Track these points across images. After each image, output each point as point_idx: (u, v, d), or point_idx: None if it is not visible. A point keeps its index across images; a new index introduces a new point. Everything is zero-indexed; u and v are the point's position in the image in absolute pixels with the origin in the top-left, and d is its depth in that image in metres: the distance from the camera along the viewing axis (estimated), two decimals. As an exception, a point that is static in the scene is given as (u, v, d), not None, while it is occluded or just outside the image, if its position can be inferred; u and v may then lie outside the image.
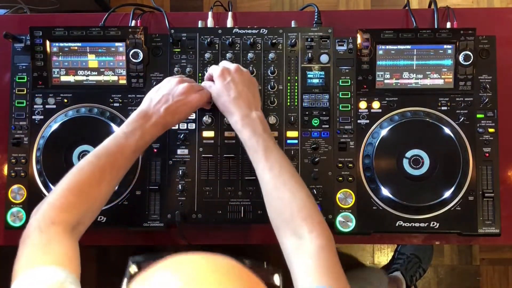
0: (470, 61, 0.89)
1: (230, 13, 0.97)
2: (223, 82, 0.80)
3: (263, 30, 0.92)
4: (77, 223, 0.70)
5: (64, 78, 0.93)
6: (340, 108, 0.91)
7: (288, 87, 0.92)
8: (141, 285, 0.45)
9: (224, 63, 0.85)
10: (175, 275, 0.44)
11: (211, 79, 0.84)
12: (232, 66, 0.82)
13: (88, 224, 0.74)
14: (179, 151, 0.90)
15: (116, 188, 0.87)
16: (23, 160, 0.91)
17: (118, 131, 0.77)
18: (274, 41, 0.91)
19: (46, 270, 0.61)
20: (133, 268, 0.49)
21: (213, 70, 0.83)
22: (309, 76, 0.92)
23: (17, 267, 0.64)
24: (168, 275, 0.44)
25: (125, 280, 0.48)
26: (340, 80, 0.92)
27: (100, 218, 0.90)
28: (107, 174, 0.73)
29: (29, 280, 0.60)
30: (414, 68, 0.92)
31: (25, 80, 0.93)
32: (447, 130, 0.88)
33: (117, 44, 0.92)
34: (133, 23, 0.97)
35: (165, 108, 0.78)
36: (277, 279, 0.49)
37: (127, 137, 0.76)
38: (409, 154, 0.88)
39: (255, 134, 0.76)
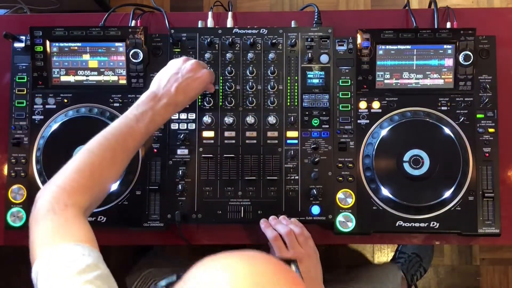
0: (470, 61, 0.89)
1: (230, 13, 0.97)
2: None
3: (263, 30, 0.92)
4: (90, 205, 0.68)
5: (64, 78, 0.93)
6: (340, 108, 0.91)
7: (288, 87, 0.92)
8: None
9: (290, 247, 0.80)
10: (220, 272, 0.43)
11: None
12: (297, 254, 0.78)
13: (97, 205, 0.73)
14: (179, 151, 0.90)
15: (120, 180, 0.88)
16: (23, 160, 0.91)
17: (127, 113, 0.76)
18: (274, 41, 0.91)
19: (75, 247, 0.58)
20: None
21: (278, 255, 0.79)
22: (309, 76, 0.92)
23: (35, 247, 0.60)
24: (218, 273, 0.44)
25: None
26: (340, 80, 0.92)
27: (100, 218, 0.90)
28: (118, 157, 0.72)
29: (61, 254, 0.56)
30: (414, 68, 0.92)
31: (25, 80, 0.93)
32: (447, 130, 0.88)
33: (117, 44, 0.92)
34: (133, 23, 0.97)
35: (175, 86, 0.78)
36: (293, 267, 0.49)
37: (138, 119, 0.75)
38: (407, 155, 0.88)
39: None
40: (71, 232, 0.61)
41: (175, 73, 0.79)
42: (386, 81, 0.92)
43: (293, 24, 0.94)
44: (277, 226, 0.83)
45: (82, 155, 0.70)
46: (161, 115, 0.77)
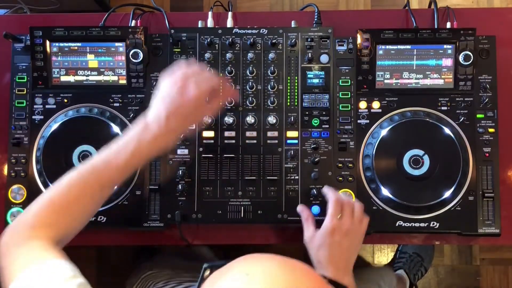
0: (470, 61, 0.89)
1: (230, 13, 0.97)
2: (330, 238, 0.77)
3: (263, 30, 0.92)
4: (60, 239, 0.65)
5: (64, 78, 0.93)
6: (340, 108, 0.91)
7: (288, 87, 0.92)
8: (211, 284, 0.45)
9: (345, 214, 0.79)
10: (247, 273, 0.44)
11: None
12: (346, 225, 0.78)
13: (71, 238, 0.69)
14: (179, 151, 0.90)
15: (117, 187, 0.87)
16: (23, 160, 0.91)
17: (112, 144, 0.69)
18: (274, 41, 0.91)
19: (52, 261, 0.57)
20: (206, 273, 0.51)
21: (329, 217, 0.78)
22: (309, 76, 0.92)
23: (5, 278, 0.57)
24: (240, 275, 0.44)
25: (198, 283, 0.49)
26: (340, 80, 0.92)
27: (100, 218, 0.90)
28: (87, 193, 0.67)
29: (37, 274, 0.55)
30: (414, 68, 0.92)
31: (25, 80, 0.93)
32: (447, 130, 0.88)
33: (117, 44, 0.92)
34: (133, 23, 0.97)
35: (165, 114, 0.69)
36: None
37: (118, 152, 0.68)
38: (407, 155, 0.88)
39: None
40: (41, 254, 0.59)
41: (164, 94, 0.71)
42: (386, 81, 0.92)
43: (293, 24, 0.94)
44: (341, 194, 0.83)
45: (51, 189, 0.67)
46: (149, 145, 0.68)
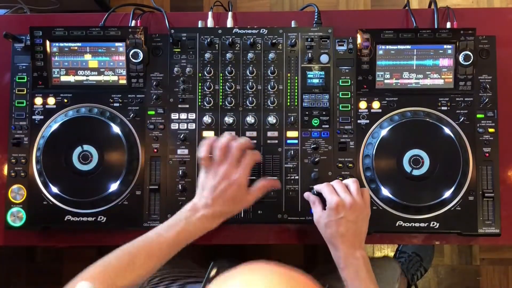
0: (470, 61, 0.89)
1: (230, 13, 0.97)
2: (335, 215, 0.78)
3: (263, 30, 0.92)
4: None
5: (64, 78, 0.93)
6: (340, 108, 0.91)
7: (288, 87, 0.92)
8: None
9: (341, 191, 0.80)
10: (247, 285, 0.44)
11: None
12: (348, 200, 0.79)
13: None
14: (179, 151, 0.90)
15: (120, 180, 0.88)
16: (23, 160, 0.91)
17: (166, 221, 0.78)
18: (274, 41, 0.91)
19: None
20: (212, 273, 0.51)
21: (328, 196, 0.80)
22: (309, 76, 0.92)
23: None
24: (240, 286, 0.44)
25: (204, 282, 0.49)
26: (340, 80, 0.92)
27: (100, 218, 0.90)
28: (136, 263, 0.72)
29: None
30: (414, 68, 0.92)
31: (25, 80, 0.93)
32: (447, 130, 0.88)
33: (117, 44, 0.92)
34: (133, 23, 0.97)
35: (212, 197, 0.77)
36: None
37: (169, 228, 0.76)
38: (407, 155, 0.88)
39: (359, 277, 0.75)
40: None
41: (210, 184, 0.79)
42: (386, 81, 0.92)
43: (293, 24, 0.94)
44: (320, 188, 0.84)
45: (104, 258, 0.72)
46: (196, 226, 0.76)
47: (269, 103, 0.91)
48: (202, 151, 0.80)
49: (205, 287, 0.49)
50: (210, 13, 0.97)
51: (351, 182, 0.82)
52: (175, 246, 0.76)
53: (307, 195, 0.87)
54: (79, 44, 0.92)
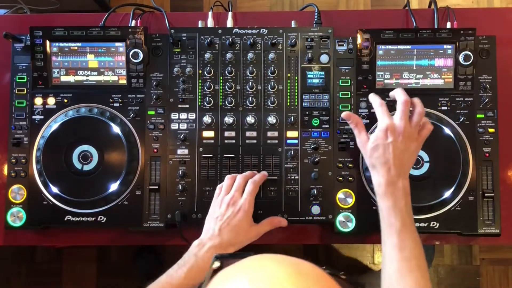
0: (470, 61, 0.89)
1: (230, 13, 0.97)
2: (384, 139, 0.74)
3: (263, 30, 0.92)
4: None
5: (64, 78, 0.93)
6: (340, 108, 0.91)
7: (288, 87, 0.92)
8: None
9: (398, 116, 0.76)
10: (251, 284, 0.42)
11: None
12: (400, 126, 0.75)
13: None
14: (179, 151, 0.90)
15: (120, 180, 0.88)
16: (23, 160, 0.91)
17: (177, 262, 0.76)
18: (274, 41, 0.91)
19: None
20: (215, 264, 0.50)
21: (381, 117, 0.77)
22: (309, 76, 0.92)
23: None
24: (244, 284, 0.42)
25: (208, 274, 0.48)
26: (340, 80, 0.92)
27: (100, 218, 0.90)
28: None
29: None
30: (414, 68, 0.92)
31: (25, 80, 0.93)
32: (447, 130, 0.88)
33: (117, 44, 0.92)
34: (133, 23, 0.97)
35: (217, 228, 0.78)
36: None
37: (179, 266, 0.75)
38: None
39: (395, 207, 0.71)
40: None
41: (216, 215, 0.80)
42: (386, 81, 0.92)
43: (293, 24, 0.94)
44: (396, 91, 0.78)
45: None
46: (205, 260, 0.75)
47: (269, 103, 0.91)
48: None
49: (210, 280, 0.48)
50: (210, 13, 0.97)
51: (415, 114, 0.76)
52: (185, 284, 0.73)
53: (346, 115, 0.83)
54: (79, 44, 0.92)
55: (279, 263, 0.45)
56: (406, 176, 0.75)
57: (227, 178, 0.85)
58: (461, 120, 0.90)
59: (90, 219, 0.90)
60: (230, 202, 0.81)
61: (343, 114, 0.85)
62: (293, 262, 0.46)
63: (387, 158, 0.74)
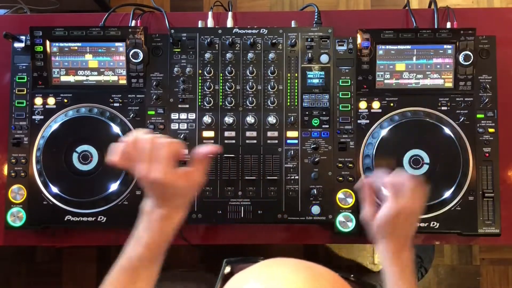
0: (470, 61, 0.89)
1: (230, 13, 0.97)
2: (396, 220, 0.74)
3: (263, 30, 0.92)
4: None
5: (64, 78, 0.93)
6: (340, 108, 0.91)
7: (288, 87, 0.92)
8: None
9: (404, 196, 0.75)
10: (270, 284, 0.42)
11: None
12: (407, 207, 0.75)
13: None
14: (179, 151, 0.90)
15: (120, 180, 0.88)
16: (23, 160, 0.91)
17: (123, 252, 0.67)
18: (274, 41, 0.91)
19: None
20: (226, 270, 0.49)
21: (393, 200, 0.75)
22: (309, 76, 0.92)
23: None
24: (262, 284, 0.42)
25: (219, 280, 0.48)
26: (340, 80, 0.92)
27: (100, 218, 0.90)
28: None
29: None
30: (414, 68, 0.92)
31: (25, 80, 0.93)
32: (447, 130, 0.88)
33: (117, 44, 0.92)
34: (133, 23, 0.97)
35: (154, 203, 0.67)
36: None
37: (136, 239, 0.67)
38: (407, 155, 0.88)
39: (403, 275, 0.74)
40: None
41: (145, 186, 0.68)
42: (386, 81, 0.92)
43: (293, 24, 0.94)
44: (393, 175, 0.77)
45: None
46: (157, 228, 0.67)
47: (269, 103, 0.91)
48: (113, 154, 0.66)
49: (222, 285, 0.47)
50: (210, 13, 0.97)
51: (412, 184, 0.76)
52: (150, 252, 0.66)
53: (361, 184, 0.82)
54: (79, 44, 0.92)
55: (294, 268, 0.45)
56: (410, 245, 0.77)
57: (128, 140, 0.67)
58: (461, 120, 0.90)
59: (90, 219, 0.90)
60: (142, 173, 0.64)
61: (360, 183, 0.84)
62: (307, 266, 0.45)
63: (396, 234, 0.76)
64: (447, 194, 0.87)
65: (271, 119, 0.90)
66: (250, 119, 0.90)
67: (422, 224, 0.88)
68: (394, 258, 0.75)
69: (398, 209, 0.75)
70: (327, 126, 0.91)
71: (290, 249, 1.58)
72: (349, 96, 0.92)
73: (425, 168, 0.88)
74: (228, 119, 0.90)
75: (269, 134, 0.91)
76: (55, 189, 0.88)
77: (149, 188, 0.66)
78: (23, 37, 0.93)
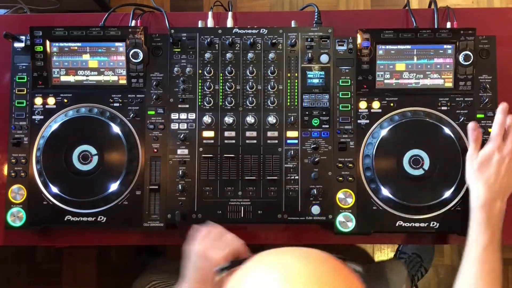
0: (470, 61, 0.89)
1: (230, 13, 0.97)
2: (491, 160, 0.76)
3: (263, 30, 0.92)
4: None
5: (64, 78, 0.93)
6: (340, 108, 0.91)
7: (288, 87, 0.92)
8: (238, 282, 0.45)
9: (509, 141, 0.79)
10: (272, 270, 0.43)
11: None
12: (508, 149, 0.78)
13: None
14: (179, 151, 0.90)
15: (120, 180, 0.88)
16: (23, 160, 0.91)
17: None
18: (274, 41, 0.91)
19: None
20: (222, 274, 0.50)
21: (495, 139, 0.79)
22: (309, 76, 0.92)
23: None
24: (265, 271, 0.43)
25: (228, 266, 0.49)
26: (340, 80, 0.92)
27: (100, 218, 0.90)
28: None
29: None
30: (414, 68, 0.92)
31: (25, 80, 0.93)
32: (447, 130, 0.88)
33: (117, 44, 0.92)
34: (133, 23, 0.97)
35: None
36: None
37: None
38: (407, 155, 0.88)
39: (488, 222, 0.74)
40: None
41: (192, 264, 0.74)
42: (386, 81, 0.92)
43: (293, 24, 0.94)
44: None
45: None
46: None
47: (269, 103, 0.91)
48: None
49: (231, 273, 0.48)
50: (210, 13, 0.97)
51: None
52: None
53: (472, 127, 0.85)
54: (79, 44, 0.92)
55: (306, 250, 0.47)
56: (505, 199, 0.77)
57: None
58: (461, 120, 0.90)
59: (90, 219, 0.90)
60: (203, 251, 0.73)
61: (472, 124, 0.85)
62: (316, 251, 0.47)
63: (490, 178, 0.76)
64: (447, 194, 0.87)
65: (271, 119, 0.90)
66: (250, 119, 0.90)
67: (422, 224, 0.88)
68: (485, 205, 0.74)
69: (503, 154, 0.75)
70: (327, 126, 0.91)
71: (290, 249, 1.58)
72: (349, 96, 0.92)
73: (425, 168, 0.88)
74: (228, 119, 0.90)
75: (269, 134, 0.91)
76: (55, 189, 0.88)
77: (205, 266, 0.70)
78: (23, 37, 0.93)
